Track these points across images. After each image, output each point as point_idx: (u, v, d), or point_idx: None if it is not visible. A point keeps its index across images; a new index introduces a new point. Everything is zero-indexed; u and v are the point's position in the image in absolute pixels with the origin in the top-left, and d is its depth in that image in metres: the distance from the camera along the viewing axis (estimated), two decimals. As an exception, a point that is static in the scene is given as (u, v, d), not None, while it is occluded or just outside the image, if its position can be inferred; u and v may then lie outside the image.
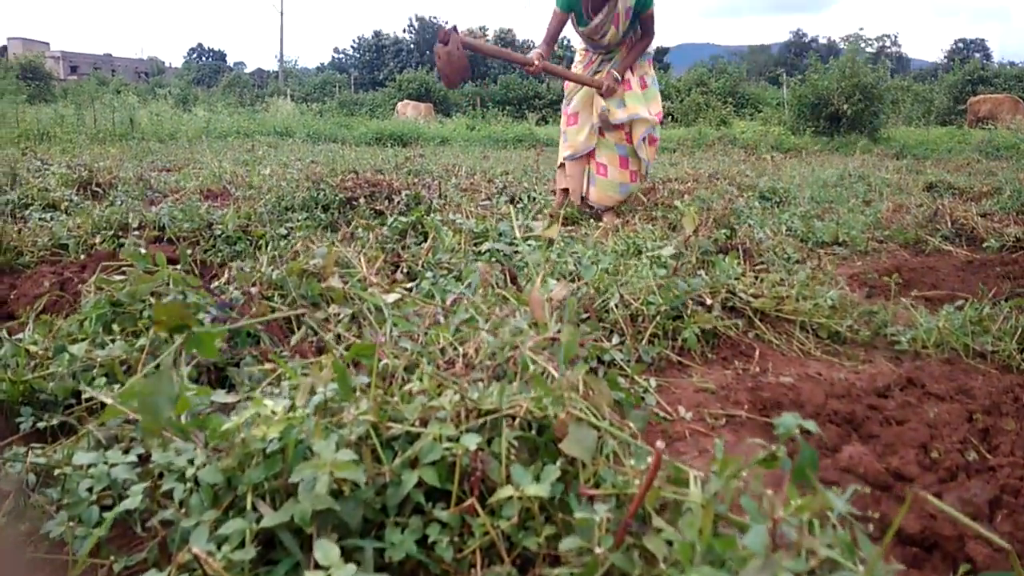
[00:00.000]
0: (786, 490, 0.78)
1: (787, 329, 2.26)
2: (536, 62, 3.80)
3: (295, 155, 8.60)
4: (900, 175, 7.10)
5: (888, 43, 74.37)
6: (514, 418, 1.12)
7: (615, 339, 1.90)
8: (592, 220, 4.06)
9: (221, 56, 71.27)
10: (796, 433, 0.92)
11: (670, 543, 0.83)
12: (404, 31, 61.67)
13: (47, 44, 63.46)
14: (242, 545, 0.90)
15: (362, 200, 4.04)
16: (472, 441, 1.02)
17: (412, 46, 59.50)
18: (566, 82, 4.25)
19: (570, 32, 4.15)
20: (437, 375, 1.16)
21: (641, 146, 3.96)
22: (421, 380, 1.15)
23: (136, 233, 3.03)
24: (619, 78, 3.88)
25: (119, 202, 3.87)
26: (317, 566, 0.80)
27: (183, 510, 0.98)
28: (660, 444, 0.83)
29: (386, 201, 4.13)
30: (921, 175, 7.33)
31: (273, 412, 0.99)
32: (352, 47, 64.38)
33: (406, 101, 24.54)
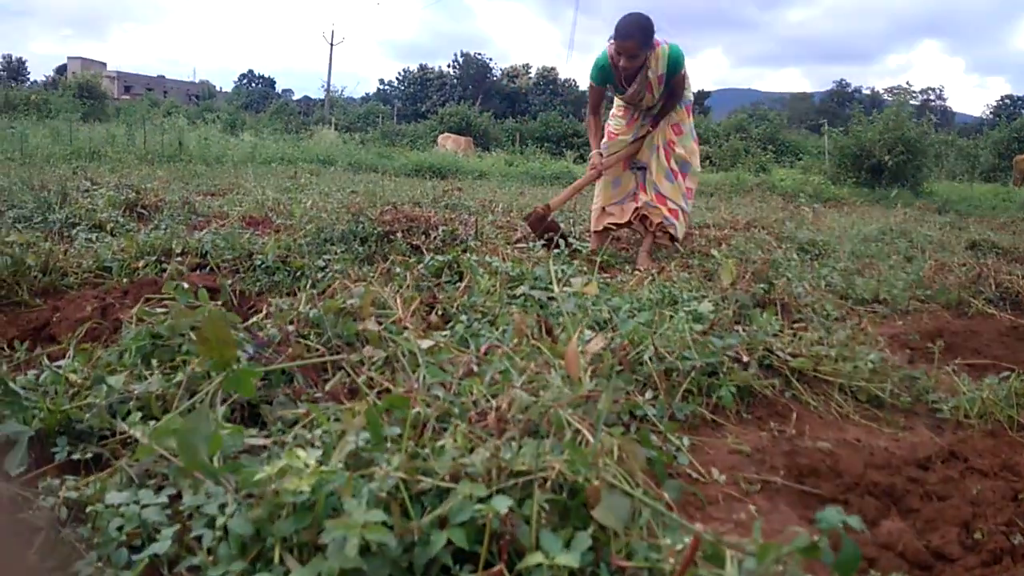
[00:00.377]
0: None
1: (825, 390, 2.21)
2: (600, 167, 4.11)
3: (336, 184, 8.75)
4: (943, 232, 6.98)
5: (933, 96, 73.86)
6: (546, 480, 1.11)
7: (648, 394, 1.87)
8: (628, 266, 4.05)
9: (270, 83, 73.18)
10: (839, 526, 0.89)
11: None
12: (449, 66, 62.75)
13: (104, 64, 65.82)
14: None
15: (399, 234, 4.08)
16: (503, 504, 1.00)
17: (456, 80, 60.51)
18: (609, 130, 4.34)
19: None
20: (471, 432, 1.15)
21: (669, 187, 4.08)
22: (455, 438, 1.14)
23: (179, 259, 3.09)
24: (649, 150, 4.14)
25: (163, 226, 3.96)
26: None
27: (211, 557, 0.98)
28: (699, 527, 0.81)
29: (423, 236, 4.17)
30: (964, 232, 7.20)
31: (306, 464, 0.98)
32: (398, 79, 65.67)
33: (447, 134, 24.91)
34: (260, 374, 1.22)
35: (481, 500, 1.03)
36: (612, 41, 3.79)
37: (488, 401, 1.39)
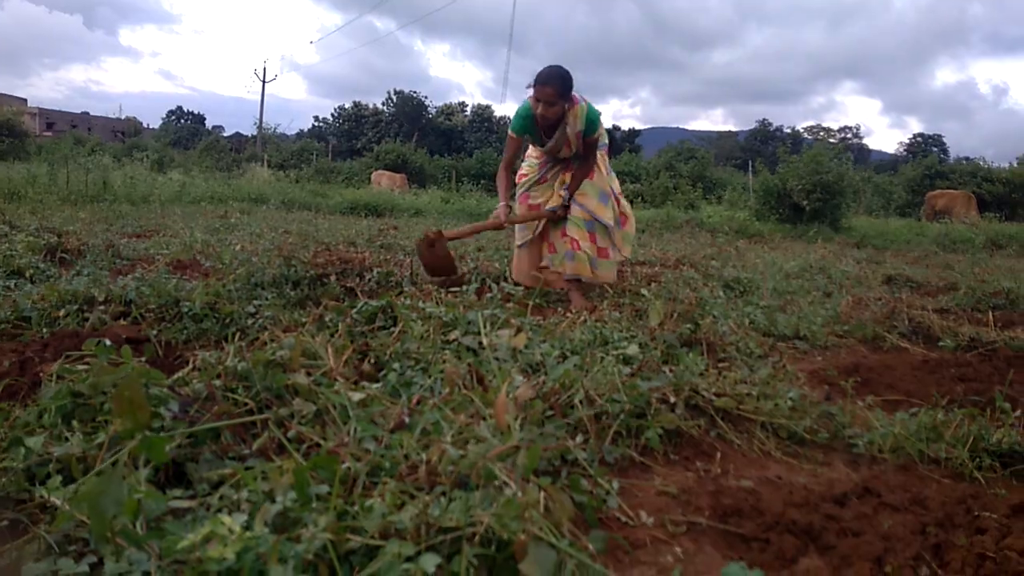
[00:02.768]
0: None
1: (748, 428, 2.29)
2: (504, 220, 4.18)
3: (268, 223, 8.63)
4: (860, 267, 7.33)
5: (850, 135, 77.78)
6: (474, 535, 1.13)
7: (579, 438, 1.91)
8: (561, 305, 4.11)
9: (200, 119, 71.85)
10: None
11: None
12: (383, 103, 62.97)
13: (24, 100, 63.62)
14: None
15: (333, 277, 4.07)
16: (431, 563, 1.02)
17: (391, 117, 60.69)
18: (520, 172, 4.48)
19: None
20: (400, 487, 1.16)
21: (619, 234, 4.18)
22: (383, 496, 1.14)
23: (102, 308, 3.00)
24: (567, 207, 4.20)
25: (86, 272, 3.84)
26: None
27: (132, 629, 0.96)
28: (566, 543, 0.84)
29: (357, 278, 4.16)
30: (880, 266, 7.57)
31: (230, 530, 0.98)
32: (332, 116, 65.48)
33: (381, 171, 24.88)
34: (171, 440, 1.20)
35: (409, 558, 1.04)
36: (532, 87, 3.92)
37: (419, 455, 1.40)
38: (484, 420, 1.51)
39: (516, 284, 4.19)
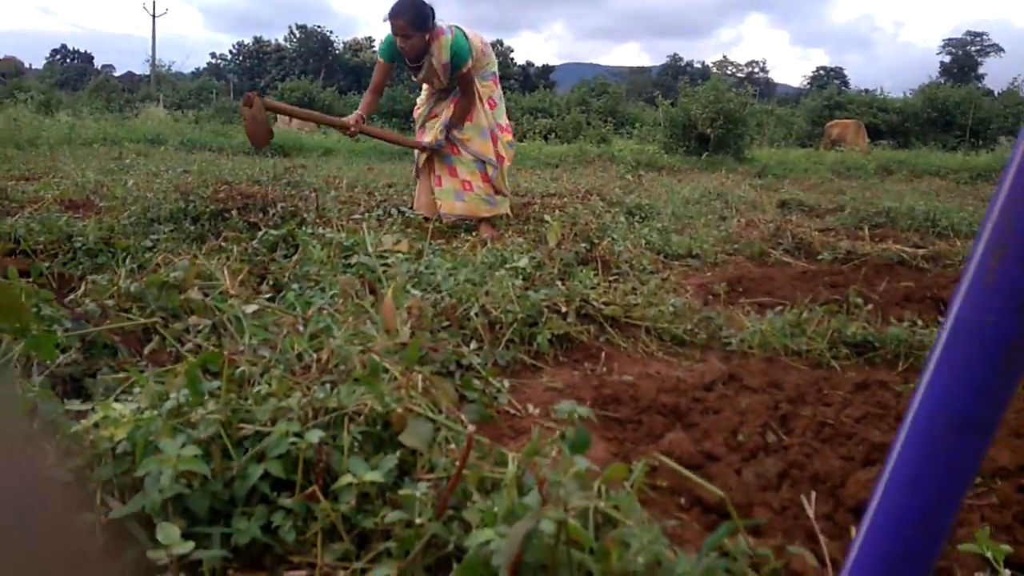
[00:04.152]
0: (564, 461, 0.93)
1: (634, 333, 2.46)
2: (353, 126, 4.06)
3: (166, 164, 8.29)
4: (757, 193, 7.67)
5: (756, 69, 79.46)
6: (359, 415, 1.23)
7: (473, 344, 2.03)
8: (470, 234, 4.20)
9: (88, 58, 67.12)
10: (574, 415, 1.07)
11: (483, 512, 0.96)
12: (286, 39, 60.17)
13: None
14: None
15: (235, 212, 4.01)
16: (315, 436, 1.11)
17: (295, 54, 58.17)
18: (416, 107, 4.49)
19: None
20: (285, 378, 1.25)
21: (492, 162, 4.23)
22: (270, 384, 1.23)
23: (-12, 245, 2.91)
24: (443, 143, 4.20)
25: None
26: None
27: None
28: (471, 428, 0.96)
29: (260, 213, 4.12)
30: (776, 193, 7.94)
31: (122, 415, 1.05)
32: (231, 52, 62.23)
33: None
34: (59, 339, 1.24)
35: (297, 435, 1.13)
36: (386, 20, 3.93)
37: (311, 355, 1.49)
38: (373, 323, 1.59)
39: (418, 214, 4.25)
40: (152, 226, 3.51)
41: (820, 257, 4.07)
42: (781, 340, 2.36)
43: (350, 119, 4.10)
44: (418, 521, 0.95)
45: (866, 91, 31.16)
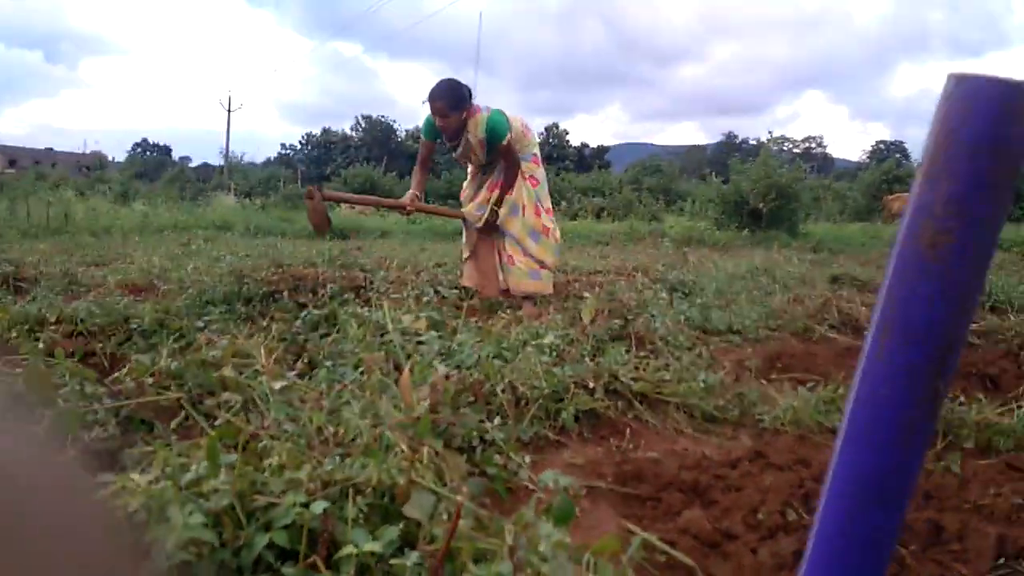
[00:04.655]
0: (544, 528, 0.95)
1: (664, 409, 2.45)
2: (409, 205, 4.33)
3: (229, 248, 8.69)
4: (808, 268, 7.57)
5: (814, 144, 79.36)
6: (366, 487, 1.27)
7: (497, 420, 2.06)
8: (512, 311, 4.27)
9: (166, 151, 71.52)
10: (555, 485, 1.09)
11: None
12: (352, 129, 63.15)
13: (-15, 138, 62.86)
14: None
15: (286, 294, 4.18)
16: (320, 507, 1.16)
17: (360, 142, 60.86)
18: (463, 190, 4.69)
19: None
20: (295, 450, 1.30)
21: (531, 243, 4.33)
22: (280, 455, 1.28)
23: (52, 328, 3.10)
24: (488, 218, 4.35)
25: (40, 297, 3.92)
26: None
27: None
28: (460, 498, 0.99)
29: (311, 294, 4.28)
30: (829, 268, 7.83)
31: (137, 485, 1.11)
32: (300, 143, 65.52)
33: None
34: (83, 414, 1.33)
35: (304, 505, 1.18)
36: (425, 103, 4.18)
37: (330, 429, 1.54)
38: (392, 399, 1.65)
39: (472, 291, 4.38)
40: (206, 308, 3.68)
41: (867, 333, 3.98)
42: (814, 416, 2.32)
43: (405, 199, 4.36)
44: (406, 590, 0.98)
45: (926, 164, 30.58)
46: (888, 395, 0.50)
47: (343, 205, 21.51)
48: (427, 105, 4.21)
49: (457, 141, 4.29)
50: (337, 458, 1.29)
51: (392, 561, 1.03)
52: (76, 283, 4.91)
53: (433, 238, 14.07)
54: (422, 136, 4.46)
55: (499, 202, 4.33)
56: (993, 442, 2.11)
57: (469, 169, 4.64)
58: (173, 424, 1.60)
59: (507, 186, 4.32)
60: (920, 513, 1.51)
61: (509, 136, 4.21)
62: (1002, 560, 1.33)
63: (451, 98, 4.10)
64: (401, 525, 1.19)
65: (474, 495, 1.31)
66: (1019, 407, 2.29)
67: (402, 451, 1.35)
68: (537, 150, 4.54)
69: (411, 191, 4.38)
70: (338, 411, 1.59)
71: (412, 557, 1.02)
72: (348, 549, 1.11)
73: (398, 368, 2.04)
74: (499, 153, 4.29)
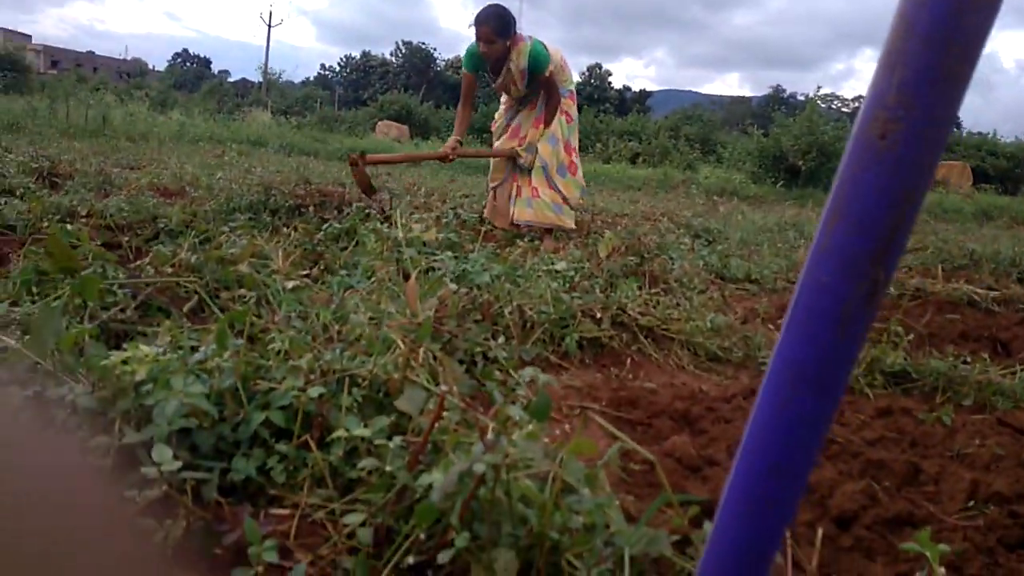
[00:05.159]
0: (525, 422, 0.99)
1: (669, 346, 2.49)
2: (450, 155, 4.33)
3: (261, 164, 8.76)
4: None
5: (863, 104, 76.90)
6: (363, 380, 1.32)
7: (501, 339, 2.11)
8: (531, 243, 4.29)
9: (206, 63, 71.30)
10: (535, 381, 1.13)
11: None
12: (392, 54, 62.31)
13: (29, 37, 63.14)
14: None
15: (311, 208, 4.23)
16: (316, 391, 1.21)
17: (399, 69, 60.13)
18: (494, 121, 4.65)
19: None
20: (299, 340, 1.36)
21: (557, 177, 4.31)
22: (284, 344, 1.34)
23: (83, 220, 3.19)
24: (527, 153, 4.33)
25: (73, 191, 4.02)
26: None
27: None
28: (443, 387, 1.04)
29: (336, 211, 4.33)
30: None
31: (146, 355, 1.17)
32: (339, 65, 64.89)
33: (387, 121, 24.83)
34: (102, 281, 1.39)
35: (301, 390, 1.24)
36: (471, 27, 4.11)
37: (335, 327, 1.60)
38: (400, 305, 1.70)
39: (491, 224, 4.40)
40: (233, 215, 3.75)
41: (888, 295, 3.95)
42: (816, 364, 2.34)
43: (447, 149, 4.36)
44: (388, 469, 1.04)
45: (979, 133, 29.70)
46: (829, 282, 0.52)
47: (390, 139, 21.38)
48: (472, 30, 4.15)
49: (499, 70, 4.25)
50: (338, 351, 1.35)
51: (377, 442, 1.09)
52: (109, 182, 5.00)
53: (464, 171, 14.01)
54: (464, 69, 4.40)
55: (545, 121, 4.32)
56: (992, 401, 2.12)
57: (503, 100, 4.60)
58: (186, 308, 1.67)
59: (549, 120, 4.30)
60: (902, 455, 1.55)
61: (551, 68, 4.18)
62: (972, 503, 1.36)
63: (498, 23, 4.05)
64: (393, 417, 1.25)
65: (464, 395, 1.36)
66: (1023, 370, 2.29)
67: (400, 350, 1.40)
68: (574, 87, 4.50)
69: (453, 137, 4.39)
70: (344, 312, 1.64)
71: (396, 440, 1.08)
72: (340, 432, 1.18)
73: (406, 278, 2.09)
74: (539, 84, 4.25)
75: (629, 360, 2.29)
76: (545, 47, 4.24)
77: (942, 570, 0.87)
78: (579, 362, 2.25)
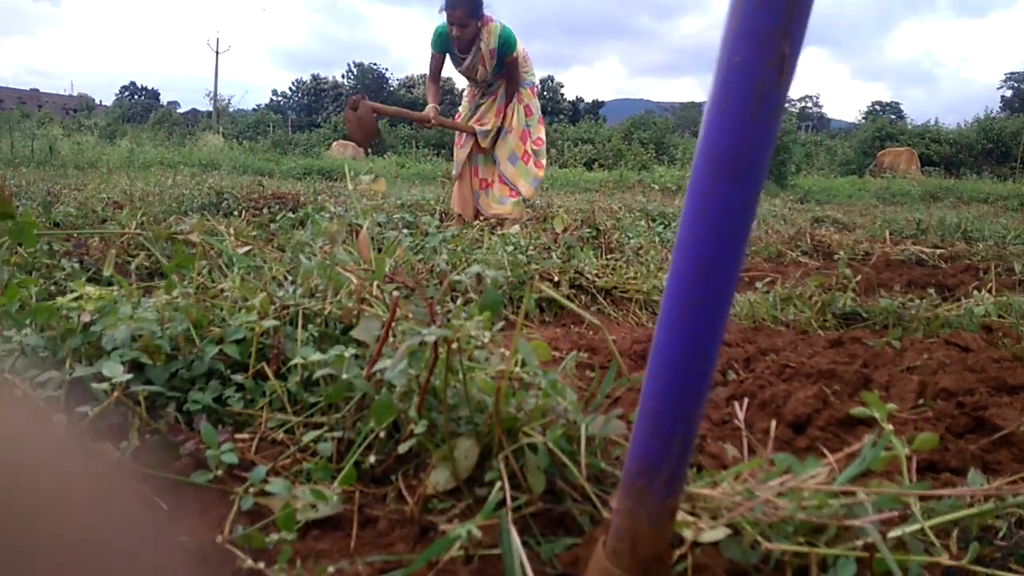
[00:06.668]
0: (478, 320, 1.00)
1: (627, 307, 2.52)
2: (433, 119, 4.36)
3: (214, 183, 8.65)
4: (790, 211, 7.63)
5: (810, 104, 78.72)
6: (318, 317, 1.32)
7: (459, 300, 2.11)
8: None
9: (154, 95, 70.20)
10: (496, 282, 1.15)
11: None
12: (343, 76, 62.15)
13: (-31, 77, 61.52)
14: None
15: (265, 210, 4.21)
16: (270, 323, 1.21)
17: (351, 91, 59.97)
18: (457, 115, 4.68)
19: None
20: (248, 280, 1.35)
21: (512, 170, 4.36)
22: (233, 282, 1.34)
23: (29, 225, 3.12)
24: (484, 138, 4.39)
25: (17, 206, 3.93)
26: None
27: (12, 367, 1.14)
28: (396, 293, 1.04)
29: (290, 212, 4.31)
30: (811, 212, 7.88)
31: (94, 294, 1.16)
32: (291, 89, 64.49)
33: (343, 141, 24.72)
34: (39, 224, 1.38)
35: (256, 324, 1.24)
36: (443, 11, 4.13)
37: (288, 277, 1.60)
38: (352, 257, 1.70)
39: (457, 214, 4.42)
40: (186, 216, 3.71)
41: (837, 257, 4.05)
42: (769, 312, 2.39)
43: (428, 112, 4.38)
44: (344, 377, 1.04)
45: (924, 123, 30.62)
46: (741, 60, 0.55)
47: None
48: (442, 15, 4.18)
49: (467, 52, 4.28)
50: (291, 290, 1.34)
51: (331, 353, 1.09)
52: (57, 199, 4.90)
53: (421, 182, 14.01)
54: (432, 49, 4.43)
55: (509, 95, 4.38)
56: (940, 333, 2.19)
57: (466, 92, 4.63)
58: (134, 265, 1.65)
59: (509, 100, 4.33)
60: (852, 367, 1.59)
61: (518, 50, 4.22)
62: (921, 401, 1.40)
63: (470, 5, 4.10)
64: (351, 349, 1.25)
65: (417, 318, 1.37)
66: (967, 305, 2.37)
67: (354, 285, 1.41)
68: (536, 80, 4.55)
69: (430, 105, 4.42)
70: (296, 264, 1.64)
71: (350, 350, 1.08)
72: (295, 360, 1.17)
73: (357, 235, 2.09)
74: (505, 68, 4.28)
75: (588, 316, 2.31)
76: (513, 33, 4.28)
77: (889, 426, 0.90)
78: (540, 322, 2.27)
